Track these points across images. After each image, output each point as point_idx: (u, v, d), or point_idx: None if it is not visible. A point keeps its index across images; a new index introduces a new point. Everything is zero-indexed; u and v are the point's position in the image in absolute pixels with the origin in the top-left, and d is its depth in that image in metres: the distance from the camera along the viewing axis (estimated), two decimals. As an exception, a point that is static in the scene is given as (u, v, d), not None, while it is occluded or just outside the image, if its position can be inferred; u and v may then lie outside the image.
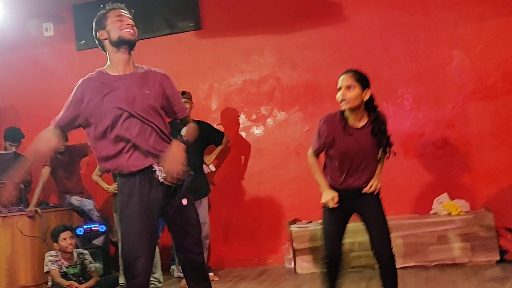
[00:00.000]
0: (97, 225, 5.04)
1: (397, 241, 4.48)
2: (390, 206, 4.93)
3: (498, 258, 4.35)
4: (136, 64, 2.54)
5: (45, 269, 4.30)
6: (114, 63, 2.50)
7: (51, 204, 5.28)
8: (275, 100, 5.37)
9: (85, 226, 5.00)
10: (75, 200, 5.17)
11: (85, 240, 4.98)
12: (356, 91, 2.91)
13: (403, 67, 5.06)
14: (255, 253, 5.23)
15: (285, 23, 5.33)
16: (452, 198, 4.76)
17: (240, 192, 5.40)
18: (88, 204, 5.15)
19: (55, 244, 4.37)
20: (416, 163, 4.98)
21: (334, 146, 2.97)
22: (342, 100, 2.91)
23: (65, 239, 4.33)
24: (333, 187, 2.98)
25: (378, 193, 3.05)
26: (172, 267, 5.19)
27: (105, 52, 2.54)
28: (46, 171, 5.12)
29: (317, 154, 3.05)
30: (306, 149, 5.07)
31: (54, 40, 5.98)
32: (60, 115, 2.59)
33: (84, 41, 5.86)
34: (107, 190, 4.49)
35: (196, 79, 5.54)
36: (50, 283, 4.35)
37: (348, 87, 2.91)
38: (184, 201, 2.46)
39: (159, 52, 5.60)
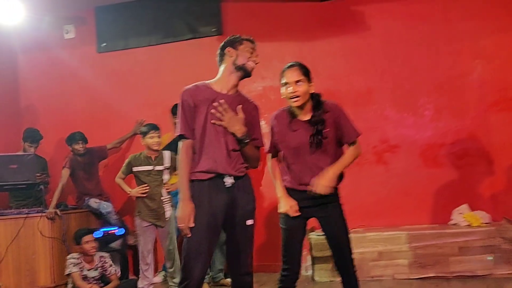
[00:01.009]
0: (115, 228, 5.05)
1: (417, 251, 4.48)
2: (409, 215, 5.00)
3: (519, 271, 4.33)
4: (237, 89, 2.75)
5: (67, 271, 4.31)
6: (224, 81, 2.70)
7: (70, 206, 5.29)
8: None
9: (103, 229, 5.00)
10: (94, 202, 5.18)
11: (103, 243, 4.97)
12: (305, 85, 2.81)
13: (425, 77, 5.06)
14: (275, 259, 5.19)
15: (306, 30, 5.34)
16: (472, 209, 4.74)
17: (260, 198, 5.38)
18: (107, 207, 5.15)
19: (77, 246, 4.37)
20: (436, 173, 4.97)
21: (283, 144, 2.87)
22: (294, 96, 2.78)
23: (88, 242, 4.34)
24: (293, 188, 2.87)
25: (338, 201, 2.89)
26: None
27: (220, 65, 2.74)
28: (66, 172, 5.14)
29: (272, 155, 2.97)
30: (325, 157, 5.16)
31: (75, 42, 6.02)
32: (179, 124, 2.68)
33: (105, 44, 5.90)
34: (129, 194, 4.49)
35: (217, 85, 5.55)
36: (70, 285, 4.35)
37: (297, 81, 2.80)
38: (250, 222, 2.68)
39: (181, 57, 5.62)
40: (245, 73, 2.70)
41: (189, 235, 2.55)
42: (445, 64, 5.02)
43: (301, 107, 2.83)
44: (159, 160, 4.49)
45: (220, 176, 2.61)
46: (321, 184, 2.72)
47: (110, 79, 5.91)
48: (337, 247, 2.89)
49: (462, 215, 4.67)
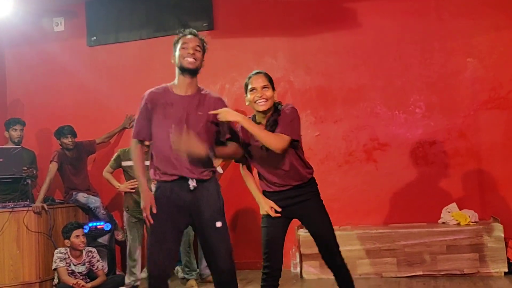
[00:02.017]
0: (102, 223, 5.01)
1: (405, 250, 4.48)
2: (398, 214, 4.99)
3: (506, 269, 4.32)
4: (199, 86, 2.81)
5: (53, 266, 4.26)
6: (179, 83, 2.78)
7: (57, 200, 5.24)
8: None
9: (90, 224, 4.97)
10: (82, 197, 5.13)
11: (90, 238, 4.93)
12: (270, 90, 2.87)
13: (417, 75, 5.04)
14: (261, 256, 5.18)
15: (299, 27, 5.31)
16: (461, 208, 4.74)
17: (246, 194, 5.28)
18: (94, 202, 5.11)
19: (66, 241, 4.33)
20: (426, 171, 4.97)
21: (249, 152, 2.92)
22: (261, 100, 2.82)
23: (77, 236, 4.29)
24: (268, 191, 2.93)
25: (317, 197, 2.94)
26: (177, 268, 5.16)
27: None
28: (53, 167, 5.08)
29: (242, 162, 3.02)
30: (315, 154, 5.14)
31: (64, 36, 5.95)
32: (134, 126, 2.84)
33: (95, 37, 5.84)
34: (118, 188, 4.45)
35: (208, 80, 5.47)
36: (56, 280, 4.31)
37: (264, 87, 2.85)
38: (218, 224, 2.69)
39: (171, 51, 5.55)
40: (186, 71, 2.71)
41: (152, 223, 2.63)
42: (437, 62, 5.01)
43: (264, 113, 2.86)
44: (148, 155, 4.43)
45: (184, 178, 2.66)
46: (225, 111, 2.74)
47: (100, 73, 5.85)
48: (322, 243, 2.92)
49: (451, 214, 4.67)
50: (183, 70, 2.72)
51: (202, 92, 2.81)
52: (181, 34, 2.79)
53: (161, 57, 5.63)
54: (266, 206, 2.87)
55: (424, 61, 5.02)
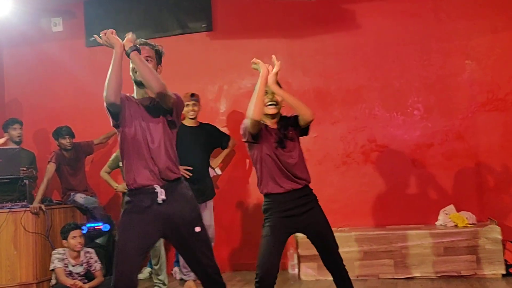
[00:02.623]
0: (100, 224, 5.00)
1: (402, 251, 4.48)
2: (396, 215, 4.99)
3: (503, 271, 4.33)
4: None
5: (51, 267, 4.27)
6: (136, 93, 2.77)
7: (55, 201, 5.23)
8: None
9: (88, 225, 4.95)
10: (80, 197, 5.13)
11: (88, 238, 4.92)
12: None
13: (415, 76, 5.05)
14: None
15: (297, 28, 5.31)
16: (458, 209, 4.74)
17: (244, 195, 5.37)
18: (92, 202, 5.11)
19: (64, 241, 4.33)
20: (423, 173, 4.97)
21: (256, 150, 2.97)
22: (272, 103, 2.95)
23: (75, 237, 4.29)
24: (276, 193, 2.92)
25: (317, 202, 2.99)
26: (175, 269, 5.16)
27: None
28: (51, 167, 5.08)
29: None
30: (313, 156, 5.14)
31: (63, 36, 5.94)
32: None
33: (93, 38, 5.80)
34: (115, 189, 4.45)
35: (206, 80, 5.51)
36: (54, 281, 4.31)
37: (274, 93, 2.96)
38: (197, 229, 2.61)
39: (170, 52, 5.47)
40: (139, 84, 2.71)
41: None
42: (435, 64, 5.01)
43: (273, 116, 2.98)
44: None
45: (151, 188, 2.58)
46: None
47: (98, 74, 5.74)
48: (325, 247, 2.95)
49: (448, 216, 4.68)
50: (137, 83, 2.71)
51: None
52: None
53: (160, 58, 5.64)
54: (264, 67, 2.97)
55: (422, 63, 5.03)
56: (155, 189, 2.54)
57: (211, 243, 4.57)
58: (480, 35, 4.92)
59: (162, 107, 2.64)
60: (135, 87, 2.75)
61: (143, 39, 2.78)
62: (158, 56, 2.78)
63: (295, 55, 5.33)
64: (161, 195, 2.53)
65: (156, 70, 2.72)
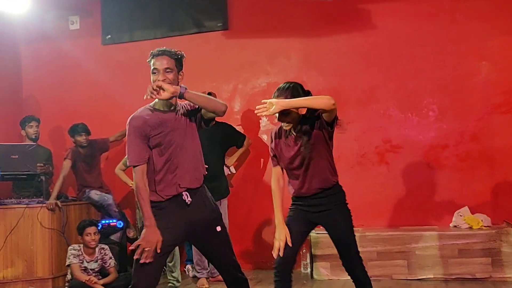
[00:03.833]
0: (115, 221, 5.04)
1: (416, 252, 4.47)
2: (410, 216, 4.97)
3: (519, 274, 4.31)
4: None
5: (67, 262, 4.32)
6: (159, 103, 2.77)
7: (70, 197, 5.28)
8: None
9: (103, 221, 5.00)
10: (95, 194, 5.18)
11: (103, 235, 4.97)
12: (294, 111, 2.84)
13: (429, 77, 5.03)
14: (272, 256, 5.19)
15: (312, 27, 5.31)
16: (473, 211, 4.72)
17: (258, 194, 5.37)
18: (107, 199, 5.15)
19: (80, 238, 4.38)
20: (438, 174, 4.95)
21: (281, 158, 2.95)
22: (285, 126, 2.89)
23: (89, 234, 4.34)
24: (296, 196, 2.95)
25: (343, 202, 2.96)
26: (188, 266, 5.19)
27: None
28: (67, 164, 5.13)
29: (276, 172, 2.98)
30: (327, 155, 5.13)
31: (79, 34, 6.00)
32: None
33: (109, 36, 5.89)
34: (131, 186, 4.48)
35: (221, 79, 5.54)
36: (69, 276, 4.36)
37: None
38: (218, 228, 2.72)
39: (185, 51, 5.46)
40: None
41: (150, 260, 2.53)
42: (450, 65, 4.99)
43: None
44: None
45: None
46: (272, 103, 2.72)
47: (114, 72, 5.89)
48: (343, 249, 2.93)
49: (463, 218, 4.65)
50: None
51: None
52: (150, 55, 2.72)
53: (175, 57, 5.68)
54: (281, 235, 2.81)
55: (437, 64, 5.01)
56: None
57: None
58: (496, 37, 4.89)
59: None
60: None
61: (162, 48, 2.73)
62: (179, 63, 2.74)
63: (310, 55, 5.34)
64: (187, 198, 2.65)
65: (178, 78, 2.72)
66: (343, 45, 5.25)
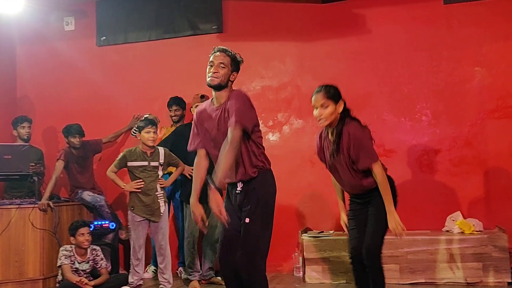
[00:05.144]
0: (107, 222, 5.03)
1: (408, 257, 4.47)
2: (402, 221, 4.90)
3: (510, 280, 4.31)
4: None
5: (58, 263, 4.30)
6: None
7: (63, 198, 5.27)
8: (293, 108, 5.36)
9: (95, 223, 4.99)
10: (87, 195, 5.16)
11: (95, 236, 4.95)
12: (330, 107, 3.07)
13: (424, 82, 5.04)
14: (273, 258, 5.18)
15: (308, 32, 5.33)
16: (465, 216, 4.73)
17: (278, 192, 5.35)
18: (100, 200, 5.14)
19: (71, 238, 4.36)
20: (431, 179, 4.96)
21: (324, 161, 3.23)
22: (320, 119, 3.08)
23: (82, 234, 4.33)
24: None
25: (379, 196, 3.22)
26: (180, 268, 5.18)
27: None
28: (60, 165, 5.12)
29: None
30: (321, 159, 5.12)
31: (74, 35, 6.00)
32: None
33: (104, 37, 5.88)
34: (123, 188, 4.47)
35: (215, 82, 5.53)
36: (60, 277, 4.34)
37: (322, 105, 3.06)
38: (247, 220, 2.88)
39: (180, 53, 5.60)
40: (210, 87, 2.95)
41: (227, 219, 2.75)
42: (445, 70, 5.01)
43: (331, 126, 3.12)
44: (155, 156, 4.48)
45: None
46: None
47: (109, 73, 5.89)
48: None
49: (455, 222, 4.66)
50: (210, 86, 2.93)
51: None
52: (212, 52, 2.96)
53: (170, 59, 5.68)
54: (341, 221, 3.40)
55: (432, 69, 5.03)
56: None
57: (218, 244, 4.59)
58: (491, 42, 4.91)
59: None
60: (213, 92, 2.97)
61: (221, 47, 2.97)
62: (235, 63, 2.93)
63: (305, 59, 5.35)
64: (239, 187, 2.94)
65: (230, 77, 2.91)
66: (338, 50, 5.26)
